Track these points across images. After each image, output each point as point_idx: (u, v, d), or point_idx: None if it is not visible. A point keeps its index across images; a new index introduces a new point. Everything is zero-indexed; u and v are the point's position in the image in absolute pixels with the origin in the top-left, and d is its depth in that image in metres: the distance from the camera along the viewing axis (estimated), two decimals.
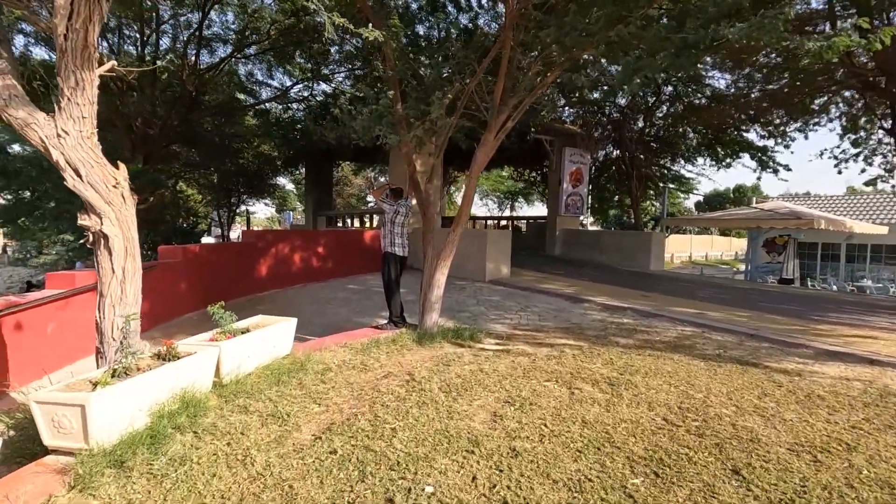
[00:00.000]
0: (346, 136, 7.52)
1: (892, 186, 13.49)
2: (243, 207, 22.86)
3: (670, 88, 13.93)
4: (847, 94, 11.83)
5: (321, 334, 5.83)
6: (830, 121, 12.49)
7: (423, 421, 2.97)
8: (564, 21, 4.19)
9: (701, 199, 45.35)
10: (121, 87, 10.01)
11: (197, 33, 10.24)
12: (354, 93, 10.31)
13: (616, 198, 19.58)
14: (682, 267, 24.33)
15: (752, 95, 12.53)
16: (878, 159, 12.45)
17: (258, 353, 3.82)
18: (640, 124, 15.00)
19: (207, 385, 3.25)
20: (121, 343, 2.96)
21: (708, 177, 34.89)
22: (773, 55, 11.50)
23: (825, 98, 12.12)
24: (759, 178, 13.80)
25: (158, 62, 8.89)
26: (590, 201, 16.99)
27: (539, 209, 33.00)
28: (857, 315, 6.61)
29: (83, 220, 3.19)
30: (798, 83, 11.31)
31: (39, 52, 11.32)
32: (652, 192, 17.69)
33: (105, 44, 10.49)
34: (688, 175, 16.94)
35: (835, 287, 14.26)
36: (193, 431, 2.78)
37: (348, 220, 17.71)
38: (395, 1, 6.92)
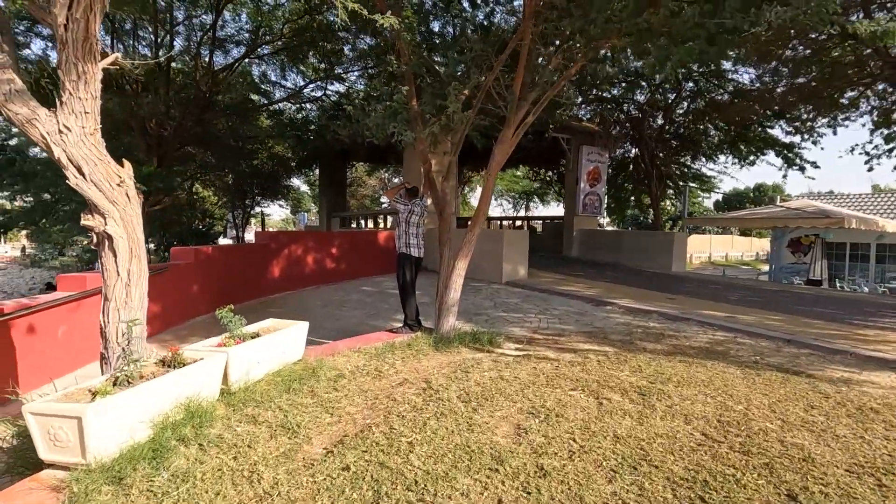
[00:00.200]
0: (360, 134, 7.35)
1: None
2: (258, 209, 22.94)
3: (691, 84, 13.54)
4: (880, 87, 11.32)
5: (334, 338, 5.68)
6: (861, 115, 11.97)
7: (442, 434, 2.77)
8: (588, 9, 3.96)
9: (720, 198, 44.46)
10: (135, 89, 10.01)
11: (210, 34, 10.20)
12: (368, 92, 10.18)
13: (632, 197, 19.17)
14: (702, 267, 23.73)
15: (778, 90, 12.09)
16: None
17: (268, 359, 3.66)
18: (660, 122, 14.61)
19: (214, 393, 3.09)
20: (123, 350, 2.82)
21: (730, 175, 34.06)
22: (801, 48, 11.08)
23: (855, 92, 11.62)
24: (784, 177, 13.40)
25: (162, 57, 8.77)
26: (606, 201, 16.62)
27: (555, 209, 32.62)
28: None
29: (86, 220, 3.06)
30: (827, 76, 10.87)
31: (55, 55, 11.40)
32: (671, 191, 17.25)
33: (121, 46, 10.52)
34: (709, 173, 16.47)
35: (866, 289, 13.70)
36: (198, 444, 2.61)
37: (362, 221, 17.61)
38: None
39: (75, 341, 5.10)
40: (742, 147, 14.01)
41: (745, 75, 12.74)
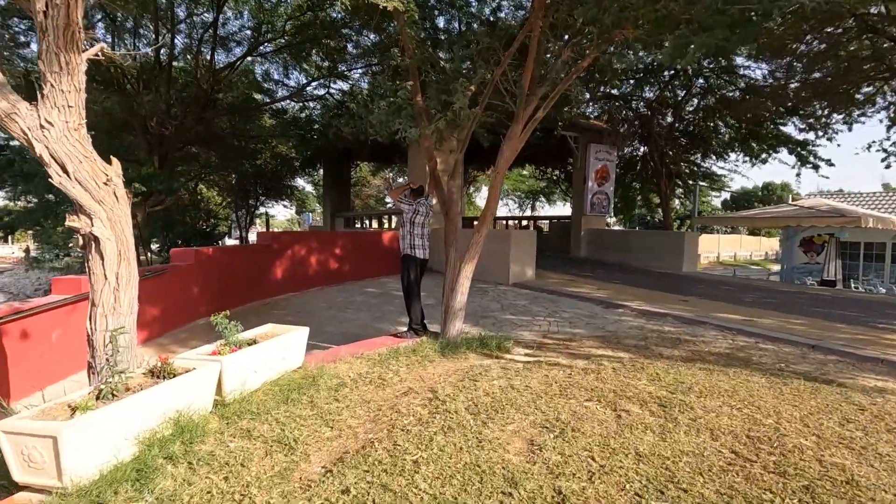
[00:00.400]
0: (363, 132, 7.18)
1: None
2: (262, 209, 22.83)
3: (701, 81, 13.27)
4: None
5: (337, 342, 5.50)
6: (878, 111, 11.65)
7: (450, 452, 2.57)
8: None
9: (727, 197, 43.94)
10: (136, 88, 9.88)
11: (212, 31, 10.05)
12: (372, 88, 10.00)
13: (639, 196, 18.87)
14: (711, 267, 23.40)
15: (791, 86, 11.80)
16: None
17: (266, 367, 3.47)
18: (669, 119, 14.34)
19: (207, 405, 2.90)
20: (107, 361, 2.63)
21: (741, 173, 33.51)
22: (816, 42, 10.80)
23: (872, 87, 11.31)
24: (798, 175, 13.02)
25: (151, 49, 8.59)
26: (614, 200, 16.35)
27: (561, 209, 32.34)
28: None
29: (71, 221, 2.88)
30: (843, 71, 10.58)
31: None
32: (680, 189, 16.95)
33: (122, 45, 10.40)
34: (719, 172, 16.17)
35: (882, 289, 13.37)
36: (188, 462, 2.43)
37: (366, 221, 17.44)
38: None
39: (71, 345, 4.94)
40: (754, 145, 13.72)
41: (758, 71, 12.44)
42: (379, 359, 4.27)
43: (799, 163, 12.56)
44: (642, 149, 15.55)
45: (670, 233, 13.64)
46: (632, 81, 12.73)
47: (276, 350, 3.59)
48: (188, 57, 11.05)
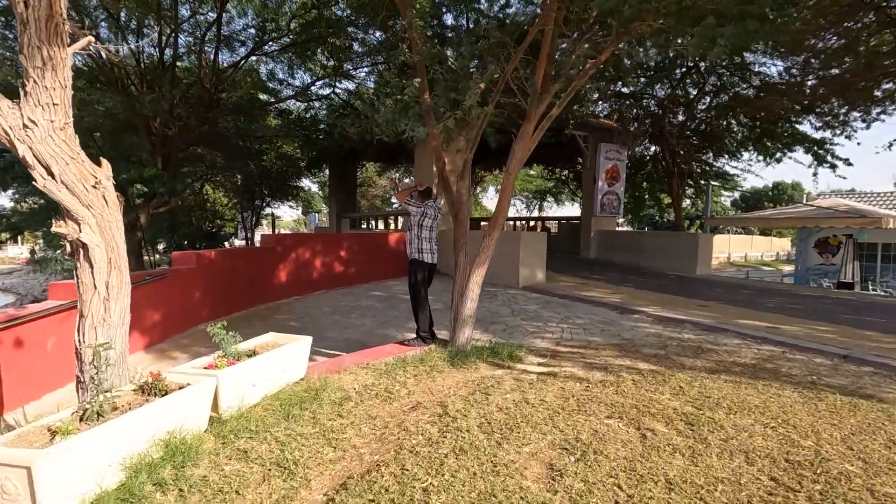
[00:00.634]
0: (369, 131, 6.99)
1: None
2: (268, 210, 22.74)
3: (714, 78, 12.97)
4: None
5: (341, 349, 5.31)
6: None
7: (463, 478, 2.36)
8: None
9: (736, 197, 43.31)
10: (140, 89, 9.76)
11: (215, 29, 9.90)
12: (378, 86, 9.81)
13: (647, 196, 18.55)
14: (721, 268, 22.97)
15: (808, 83, 11.47)
16: None
17: (266, 380, 3.28)
18: (681, 118, 14.04)
19: (202, 423, 2.72)
20: (92, 379, 2.45)
21: (755, 173, 32.96)
22: (834, 38, 10.48)
23: (892, 84, 10.96)
24: (815, 175, 12.65)
25: (142, 42, 8.44)
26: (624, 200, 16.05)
27: (570, 209, 31.99)
28: None
29: (58, 227, 2.71)
30: (862, 67, 10.25)
31: None
32: (691, 189, 16.62)
33: (125, 45, 10.28)
34: (731, 171, 15.83)
35: None
36: (178, 489, 2.24)
37: (373, 222, 17.28)
38: None
39: (68, 353, 4.76)
40: (768, 143, 13.39)
41: (773, 68, 12.12)
42: (385, 369, 4.07)
43: (815, 162, 12.21)
44: (653, 148, 15.27)
45: (683, 234, 13.35)
46: (643, 80, 12.47)
47: (277, 362, 3.40)
48: (192, 57, 10.92)
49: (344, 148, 13.35)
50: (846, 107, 11.80)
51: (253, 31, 10.71)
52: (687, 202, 20.42)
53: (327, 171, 19.48)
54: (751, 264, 27.97)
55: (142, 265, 10.60)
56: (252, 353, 3.37)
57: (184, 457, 2.41)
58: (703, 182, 15.84)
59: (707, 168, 15.53)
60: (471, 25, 7.96)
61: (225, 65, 10.89)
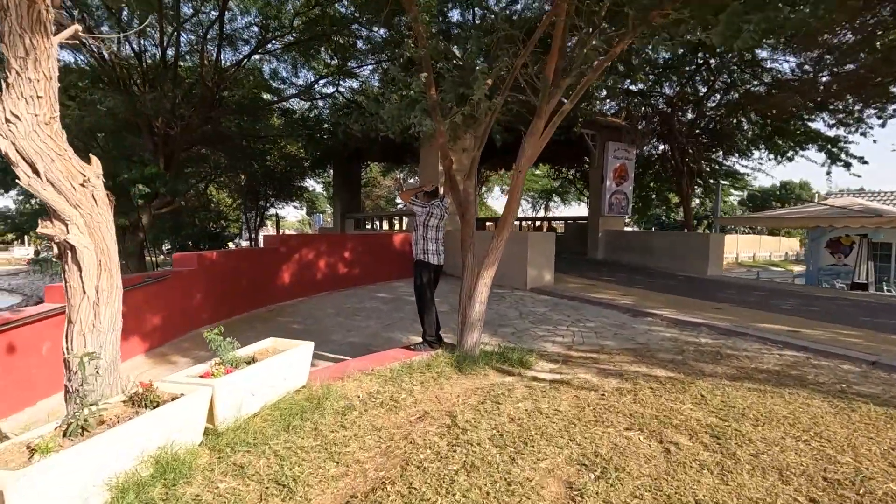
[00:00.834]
0: (374, 129, 6.82)
1: None
2: (273, 210, 22.65)
3: (724, 75, 12.73)
4: None
5: (345, 352, 5.15)
6: None
7: (475, 498, 2.18)
8: None
9: (744, 196, 42.92)
10: (142, 88, 9.65)
11: (217, 26, 9.77)
12: (384, 80, 9.66)
13: (653, 196, 18.27)
14: (729, 269, 22.67)
15: (822, 79, 11.22)
16: None
17: (265, 389, 3.12)
18: (690, 116, 13.80)
19: (197, 436, 2.56)
20: (77, 391, 2.29)
21: (765, 172, 32.51)
22: (849, 34, 10.24)
23: None
24: (828, 174, 12.38)
25: (133, 32, 8.25)
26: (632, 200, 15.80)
27: (576, 209, 31.73)
28: None
29: (44, 227, 2.56)
30: (878, 64, 9.99)
31: (66, 56, 11.15)
32: (700, 188, 16.36)
33: (128, 44, 10.18)
34: (741, 170, 15.56)
35: None
36: None
37: (377, 223, 17.13)
38: None
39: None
40: (780, 142, 13.13)
41: (785, 64, 11.86)
42: (391, 375, 3.90)
43: (829, 160, 11.95)
44: (661, 147, 15.04)
45: (694, 234, 13.11)
46: (651, 77, 12.26)
47: (278, 369, 3.24)
48: (195, 57, 10.81)
49: (348, 147, 13.20)
50: (861, 103, 11.54)
51: (256, 28, 10.59)
52: (696, 202, 20.13)
53: (331, 172, 19.37)
54: (759, 264, 27.64)
55: (144, 266, 10.49)
56: (251, 360, 3.21)
57: (176, 474, 2.25)
58: (712, 181, 15.57)
59: (716, 167, 15.27)
60: (477, 21, 7.80)
61: (228, 64, 10.77)
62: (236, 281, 7.25)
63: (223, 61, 10.57)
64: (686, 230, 14.09)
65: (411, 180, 29.84)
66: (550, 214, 30.79)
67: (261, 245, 16.90)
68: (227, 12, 9.83)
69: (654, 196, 18.32)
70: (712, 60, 12.12)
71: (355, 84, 12.98)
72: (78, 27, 2.43)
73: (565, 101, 4.30)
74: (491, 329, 5.46)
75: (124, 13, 10.01)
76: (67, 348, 2.61)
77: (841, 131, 11.84)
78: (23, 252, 38.93)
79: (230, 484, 2.31)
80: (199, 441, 2.56)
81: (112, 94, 8.46)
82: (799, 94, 11.64)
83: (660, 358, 4.37)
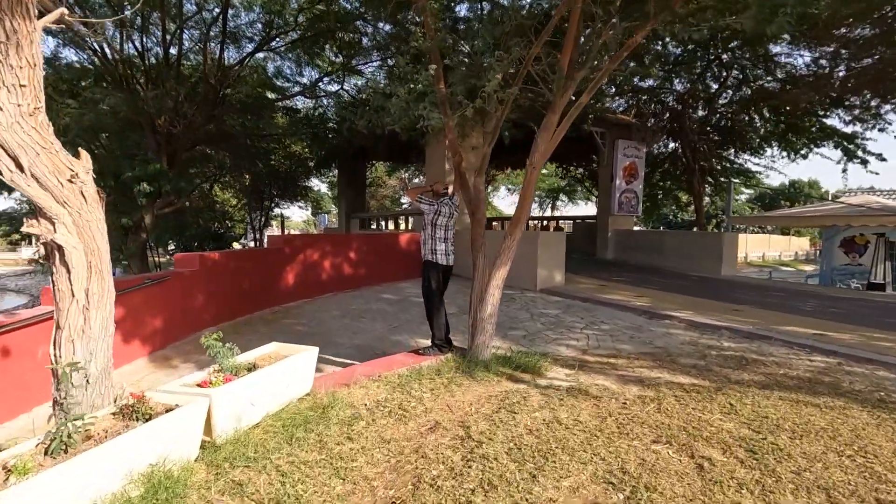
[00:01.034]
0: (379, 125, 6.64)
1: None
2: (277, 210, 22.54)
3: (736, 71, 12.45)
4: None
5: (352, 356, 4.98)
6: None
7: None
8: None
9: (753, 195, 42.48)
10: (145, 87, 9.53)
11: (221, 22, 9.63)
12: (389, 76, 9.48)
13: (660, 195, 17.97)
14: (738, 269, 22.35)
15: (838, 74, 10.93)
16: None
17: (267, 397, 2.94)
18: (701, 113, 13.53)
19: (192, 451, 2.38)
20: (61, 406, 2.11)
21: (778, 170, 31.98)
22: (867, 28, 9.97)
23: None
24: (844, 170, 12.10)
25: (125, 15, 8.09)
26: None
27: (584, 208, 31.45)
28: None
29: (30, 226, 2.39)
30: None
31: (69, 55, 11.06)
32: (710, 187, 16.06)
33: (130, 43, 10.06)
34: (753, 168, 15.26)
35: None
36: None
37: (382, 223, 16.98)
38: None
39: None
40: (793, 139, 12.83)
41: (799, 59, 11.58)
42: (399, 382, 3.72)
43: (845, 157, 11.65)
44: (671, 145, 14.77)
45: (706, 233, 12.85)
46: (661, 73, 12.00)
47: (281, 376, 3.06)
48: (198, 55, 10.68)
49: (353, 146, 13.04)
50: (878, 98, 11.24)
51: (260, 25, 10.45)
52: (706, 200, 19.82)
53: (336, 171, 19.24)
54: (769, 264, 27.29)
55: (147, 267, 10.37)
56: (252, 367, 3.03)
57: (169, 493, 2.07)
58: (723, 179, 15.27)
59: (728, 165, 14.97)
60: (485, 15, 7.60)
61: (231, 61, 10.62)
62: (239, 282, 7.09)
63: (227, 59, 10.43)
64: (698, 229, 13.82)
65: (416, 180, 29.68)
66: (558, 214, 30.51)
67: (265, 245, 16.79)
68: (230, 9, 9.69)
69: (660, 195, 18.02)
70: (724, 56, 11.86)
71: (360, 82, 12.83)
72: (64, 10, 2.26)
73: (573, 97, 4.10)
74: (501, 332, 5.26)
75: (127, 11, 9.90)
76: (55, 355, 2.45)
77: (857, 127, 11.53)
78: (30, 252, 39.08)
79: None
80: (195, 456, 2.39)
81: (113, 92, 8.33)
82: (814, 89, 11.35)
83: (681, 363, 4.16)
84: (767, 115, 13.04)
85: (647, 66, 7.44)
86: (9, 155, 2.22)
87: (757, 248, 31.82)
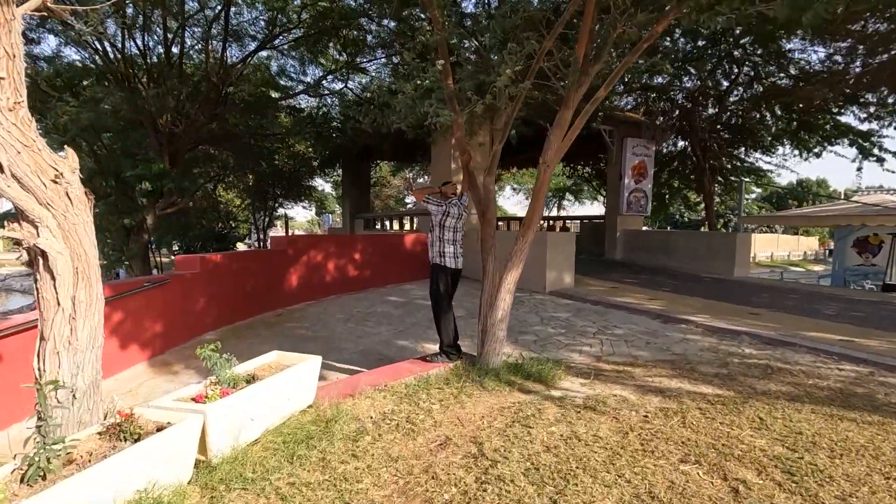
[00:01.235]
0: (384, 123, 6.46)
1: None
2: (281, 210, 22.40)
3: (747, 68, 12.20)
4: None
5: (356, 362, 4.81)
6: None
7: None
8: None
9: (763, 194, 42.05)
10: (147, 86, 9.40)
11: (223, 18, 9.48)
12: (395, 73, 9.32)
13: (667, 194, 17.69)
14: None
15: (854, 70, 10.67)
16: None
17: (267, 410, 2.77)
18: (711, 111, 13.27)
19: (185, 473, 2.21)
20: (38, 429, 1.94)
21: (790, 168, 31.52)
22: (883, 23, 9.71)
23: None
24: (859, 169, 11.82)
25: (129, 26, 7.94)
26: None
27: (590, 208, 31.15)
28: None
29: (11, 230, 2.22)
30: None
31: (70, 54, 10.96)
32: (720, 186, 15.79)
33: (132, 42, 9.92)
34: (764, 167, 14.98)
35: None
36: None
37: (387, 223, 16.81)
38: None
39: None
40: (806, 137, 12.56)
41: (813, 55, 11.32)
42: (406, 392, 3.54)
43: (860, 155, 11.38)
44: (681, 143, 14.51)
45: (719, 233, 12.58)
46: (671, 70, 11.76)
47: (282, 388, 2.88)
48: (200, 53, 10.54)
49: (357, 145, 12.87)
50: (894, 96, 10.97)
51: (263, 23, 10.28)
52: (716, 199, 19.52)
53: (340, 171, 19.07)
54: (778, 264, 26.96)
55: (148, 269, 10.24)
56: (251, 378, 2.86)
57: None
58: (733, 178, 15.00)
59: (738, 164, 14.69)
60: (494, 11, 7.42)
61: (234, 59, 10.47)
62: (241, 284, 6.94)
63: (229, 57, 10.28)
64: (709, 229, 13.56)
65: (420, 179, 29.50)
66: (564, 213, 30.24)
67: (268, 246, 16.66)
68: (232, 7, 9.53)
69: (666, 194, 17.75)
70: (735, 52, 11.61)
71: (365, 80, 12.66)
72: None
73: (607, 80, 3.90)
74: (511, 336, 5.07)
75: (129, 10, 9.77)
76: (39, 369, 2.28)
77: (873, 125, 11.26)
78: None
79: None
80: (188, 478, 2.21)
81: (114, 91, 8.19)
82: (828, 86, 11.09)
83: (702, 372, 3.95)
84: (780, 112, 12.78)
85: (661, 60, 7.20)
86: None
87: (765, 247, 31.49)
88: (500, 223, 17.28)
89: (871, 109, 11.42)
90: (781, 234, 33.93)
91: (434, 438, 2.85)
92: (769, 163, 14.65)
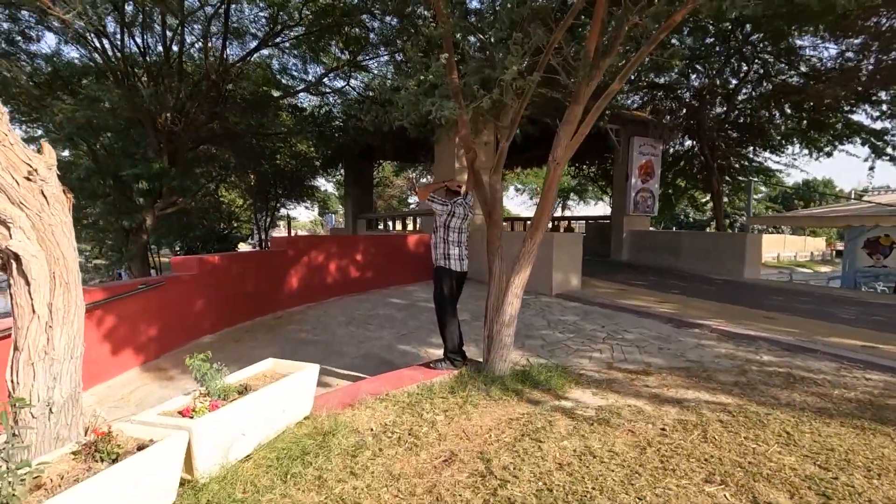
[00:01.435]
0: (387, 121, 6.29)
1: None
2: (284, 211, 22.28)
3: (756, 65, 11.98)
4: None
5: (356, 367, 4.64)
6: None
7: None
8: None
9: (771, 194, 41.65)
10: (146, 84, 9.26)
11: (223, 16, 9.33)
12: (398, 69, 9.16)
13: (672, 193, 17.45)
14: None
15: (866, 67, 10.44)
16: None
17: (260, 423, 2.60)
18: (719, 109, 13.06)
19: (169, 495, 2.03)
20: (5, 451, 1.77)
21: (799, 168, 31.20)
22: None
23: None
24: (871, 168, 11.56)
25: (129, 25, 7.79)
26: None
27: (595, 208, 30.93)
28: None
29: None
30: None
31: (70, 52, 10.83)
32: (728, 186, 15.56)
33: (131, 40, 9.79)
34: (773, 167, 14.74)
35: None
36: None
37: (390, 223, 16.65)
38: None
39: None
40: (816, 136, 12.33)
41: (825, 52, 11.08)
42: (409, 401, 3.36)
43: (873, 154, 11.14)
44: (688, 142, 14.30)
45: (728, 234, 12.35)
46: (680, 64, 11.54)
47: (276, 399, 2.71)
48: (199, 50, 10.39)
49: (360, 144, 12.72)
50: None
51: (263, 20, 10.13)
52: (724, 199, 19.29)
53: (343, 171, 18.94)
54: (785, 265, 26.66)
55: (147, 270, 10.09)
56: (244, 389, 2.68)
57: None
58: (741, 178, 14.77)
59: (746, 163, 14.46)
60: (499, 4, 7.24)
61: (235, 58, 10.32)
62: (240, 286, 6.78)
63: (230, 56, 10.13)
64: (717, 229, 13.34)
65: (423, 180, 29.33)
66: (568, 214, 30.00)
67: (268, 247, 16.51)
68: (232, 4, 9.38)
69: (671, 193, 17.53)
70: (745, 49, 11.39)
71: (367, 78, 12.49)
72: None
73: (621, 73, 3.72)
74: (518, 341, 4.87)
75: (129, 8, 9.64)
76: (13, 381, 2.11)
77: (886, 123, 11.02)
78: None
79: None
80: (171, 501, 2.04)
81: (112, 89, 8.05)
82: (839, 84, 10.85)
83: (720, 380, 3.76)
84: (789, 111, 12.56)
85: (676, 52, 6.98)
86: None
87: (772, 248, 31.17)
88: (504, 224, 17.11)
89: (884, 108, 11.18)
90: (788, 234, 33.62)
91: (438, 454, 2.67)
92: (778, 162, 14.39)
